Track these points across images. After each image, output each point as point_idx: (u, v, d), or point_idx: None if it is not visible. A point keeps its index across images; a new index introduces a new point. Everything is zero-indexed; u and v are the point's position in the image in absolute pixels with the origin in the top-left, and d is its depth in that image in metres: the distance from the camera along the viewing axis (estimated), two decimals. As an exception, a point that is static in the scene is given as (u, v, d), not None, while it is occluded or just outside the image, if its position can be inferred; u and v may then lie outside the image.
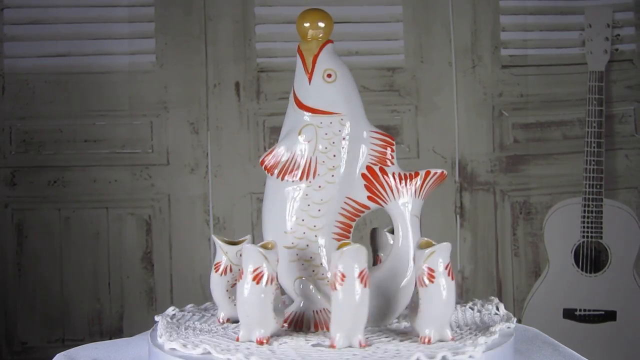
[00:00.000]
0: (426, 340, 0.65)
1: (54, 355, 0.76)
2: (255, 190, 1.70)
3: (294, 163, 0.72)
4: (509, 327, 0.70)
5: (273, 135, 1.70)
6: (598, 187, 1.57)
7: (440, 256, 0.64)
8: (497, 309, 0.78)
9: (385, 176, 0.72)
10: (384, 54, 1.71)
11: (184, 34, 1.68)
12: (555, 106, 1.73)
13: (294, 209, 0.72)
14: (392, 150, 0.73)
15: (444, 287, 0.64)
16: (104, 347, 0.79)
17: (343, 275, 0.62)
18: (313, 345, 0.65)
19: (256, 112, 1.71)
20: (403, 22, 1.71)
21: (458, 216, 1.73)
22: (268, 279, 0.66)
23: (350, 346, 0.64)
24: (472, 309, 0.79)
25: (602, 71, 1.62)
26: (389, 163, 0.72)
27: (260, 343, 0.66)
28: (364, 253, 0.64)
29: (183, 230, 1.69)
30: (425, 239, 0.68)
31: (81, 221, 1.68)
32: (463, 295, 1.71)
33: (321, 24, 0.73)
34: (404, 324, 0.73)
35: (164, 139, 1.69)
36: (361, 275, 0.63)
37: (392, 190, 0.71)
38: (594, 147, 1.59)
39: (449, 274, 0.64)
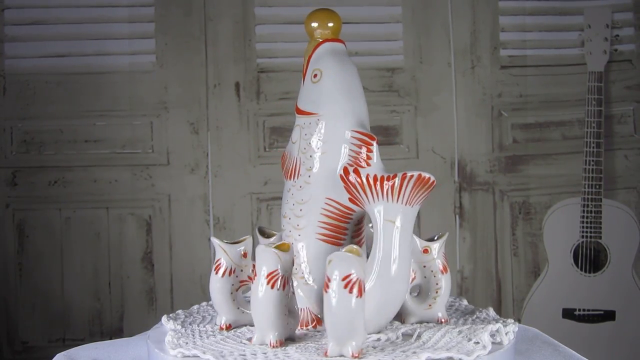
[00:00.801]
0: (324, 353, 0.62)
1: (55, 355, 0.76)
2: (255, 190, 1.70)
3: (289, 163, 0.74)
4: (507, 333, 0.70)
5: (273, 135, 1.71)
6: (597, 187, 1.57)
7: (336, 267, 0.60)
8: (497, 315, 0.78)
9: (358, 177, 0.68)
10: (383, 54, 1.71)
11: (184, 35, 1.69)
12: (555, 106, 1.73)
13: (285, 208, 0.74)
14: (369, 150, 0.69)
15: (335, 298, 0.60)
16: (104, 347, 0.79)
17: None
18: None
19: (256, 112, 1.71)
20: (402, 23, 1.71)
21: (457, 216, 1.73)
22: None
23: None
24: (473, 314, 0.79)
25: (602, 71, 1.62)
26: (363, 164, 0.69)
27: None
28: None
29: (183, 230, 1.69)
30: (354, 246, 0.65)
31: (82, 221, 1.68)
32: (462, 295, 1.71)
33: (330, 24, 0.74)
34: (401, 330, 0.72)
35: (164, 139, 1.69)
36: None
37: (365, 193, 0.68)
38: (593, 147, 1.59)
39: (346, 286, 0.59)
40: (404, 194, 0.66)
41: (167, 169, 1.70)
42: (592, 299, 1.57)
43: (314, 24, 0.74)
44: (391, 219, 0.66)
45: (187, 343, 0.67)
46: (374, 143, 0.69)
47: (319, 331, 0.71)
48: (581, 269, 1.58)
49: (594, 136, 1.59)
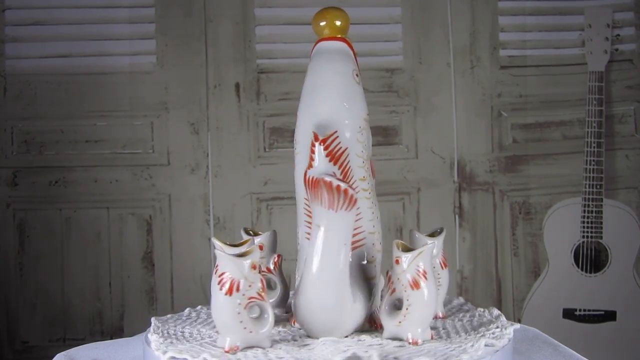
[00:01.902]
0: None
1: (55, 355, 0.76)
2: (255, 190, 1.70)
3: None
4: (507, 334, 0.70)
5: (273, 135, 1.71)
6: (598, 187, 1.57)
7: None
8: (497, 316, 0.78)
9: (304, 178, 0.66)
10: (382, 55, 1.71)
11: (185, 35, 1.69)
12: (555, 106, 1.73)
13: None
14: (312, 152, 0.67)
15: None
16: (104, 347, 0.79)
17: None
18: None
19: (256, 112, 1.71)
20: (402, 24, 1.71)
21: (457, 216, 1.73)
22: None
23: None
24: (473, 315, 0.79)
25: (602, 71, 1.62)
26: (311, 164, 0.68)
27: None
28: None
29: (183, 230, 1.69)
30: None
31: (82, 221, 1.68)
32: (462, 295, 1.71)
33: (321, 23, 0.73)
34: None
35: (164, 139, 1.69)
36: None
37: (307, 195, 0.66)
38: (594, 147, 1.59)
39: (218, 283, 0.61)
40: (321, 198, 0.63)
41: (167, 169, 1.70)
42: (592, 299, 1.57)
43: (315, 23, 0.74)
44: (317, 223, 0.65)
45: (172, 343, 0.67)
46: (317, 144, 0.67)
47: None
48: (582, 269, 1.58)
49: (595, 136, 1.59)
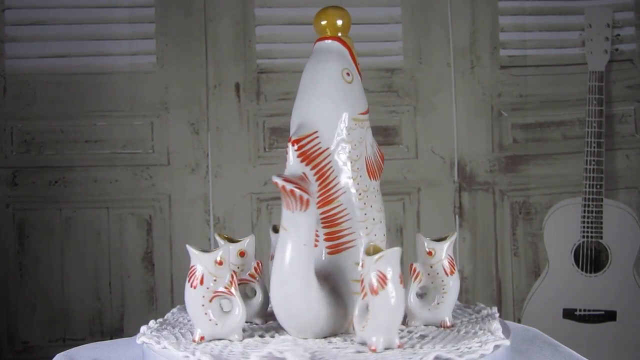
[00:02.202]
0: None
1: (55, 355, 0.76)
2: (255, 190, 1.70)
3: None
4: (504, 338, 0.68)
5: (273, 135, 1.71)
6: (598, 187, 1.57)
7: None
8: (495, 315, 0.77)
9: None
10: (382, 55, 1.71)
11: (185, 35, 1.69)
12: (555, 106, 1.73)
13: None
14: (286, 152, 0.68)
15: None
16: (104, 347, 0.79)
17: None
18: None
19: (256, 112, 1.71)
20: (402, 24, 1.71)
21: (457, 216, 1.73)
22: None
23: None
24: (471, 314, 0.79)
25: (602, 71, 1.62)
26: (286, 165, 0.68)
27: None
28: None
29: (183, 230, 1.69)
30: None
31: (82, 221, 1.68)
32: (462, 295, 1.71)
33: (322, 22, 0.73)
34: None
35: (164, 139, 1.69)
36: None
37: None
38: (594, 147, 1.59)
39: (189, 279, 0.63)
40: (282, 200, 0.64)
41: (167, 169, 1.70)
42: (593, 299, 1.57)
43: (315, 23, 0.74)
44: (283, 225, 0.66)
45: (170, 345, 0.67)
46: (289, 145, 0.67)
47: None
48: (582, 269, 1.58)
49: (595, 136, 1.59)
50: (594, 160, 1.58)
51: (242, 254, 0.74)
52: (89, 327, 1.68)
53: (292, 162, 0.67)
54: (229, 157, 1.70)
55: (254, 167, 1.70)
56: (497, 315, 0.77)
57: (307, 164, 0.68)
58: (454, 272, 0.73)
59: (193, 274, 0.67)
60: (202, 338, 0.68)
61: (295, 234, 0.65)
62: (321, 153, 0.69)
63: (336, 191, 0.69)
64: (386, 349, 0.63)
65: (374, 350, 0.63)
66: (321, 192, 0.69)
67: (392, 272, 0.63)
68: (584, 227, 1.57)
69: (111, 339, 1.26)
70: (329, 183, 0.69)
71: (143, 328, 0.72)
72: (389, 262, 0.63)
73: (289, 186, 0.63)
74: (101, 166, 1.68)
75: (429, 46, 1.72)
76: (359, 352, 0.64)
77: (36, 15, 1.67)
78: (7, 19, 1.67)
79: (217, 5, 1.69)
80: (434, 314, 0.73)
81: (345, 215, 0.69)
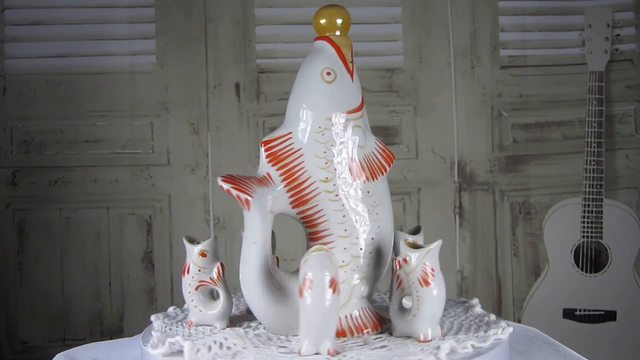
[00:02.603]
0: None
1: (55, 355, 0.76)
2: (256, 190, 1.70)
3: None
4: (503, 330, 0.69)
5: (273, 135, 1.71)
6: (598, 187, 1.57)
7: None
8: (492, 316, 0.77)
9: None
10: (383, 55, 1.71)
11: (185, 35, 1.69)
12: (555, 106, 1.73)
13: None
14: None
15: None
16: (104, 347, 0.79)
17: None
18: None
19: (256, 112, 1.71)
20: (402, 23, 1.71)
21: (457, 216, 1.73)
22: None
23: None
24: (469, 314, 0.78)
25: (602, 71, 1.62)
26: None
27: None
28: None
29: (183, 230, 1.69)
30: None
31: (82, 221, 1.68)
32: (462, 295, 1.71)
33: (321, 21, 0.72)
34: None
35: (164, 139, 1.69)
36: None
37: None
38: (594, 147, 1.59)
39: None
40: (240, 202, 0.67)
41: (167, 169, 1.70)
42: (593, 299, 1.57)
43: (314, 22, 0.73)
44: (244, 229, 0.68)
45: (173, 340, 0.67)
46: (262, 146, 0.69)
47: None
48: (582, 269, 1.58)
49: (595, 136, 1.59)
50: (594, 160, 1.58)
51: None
52: (89, 327, 1.68)
53: (260, 163, 0.69)
54: (229, 157, 1.70)
55: (253, 167, 1.70)
56: (494, 318, 0.76)
57: (273, 165, 0.69)
58: (429, 284, 0.65)
59: (185, 264, 0.74)
60: (190, 323, 0.74)
61: (247, 233, 0.68)
62: (292, 154, 0.69)
63: (310, 192, 0.69)
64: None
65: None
66: (293, 192, 0.69)
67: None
68: (584, 227, 1.57)
69: (111, 339, 1.26)
70: (300, 184, 0.69)
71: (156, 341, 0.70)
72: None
73: (226, 186, 0.66)
74: (101, 166, 1.68)
75: (429, 46, 1.72)
76: (285, 353, 0.63)
77: (36, 15, 1.67)
78: (6, 19, 1.67)
79: (217, 5, 1.69)
80: (410, 325, 0.67)
81: (322, 216, 0.69)
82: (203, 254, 0.74)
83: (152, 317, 0.77)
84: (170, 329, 0.73)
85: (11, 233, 1.68)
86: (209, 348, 0.64)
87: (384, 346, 0.66)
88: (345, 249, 0.69)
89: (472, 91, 1.72)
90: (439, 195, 1.71)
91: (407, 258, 0.66)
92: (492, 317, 0.75)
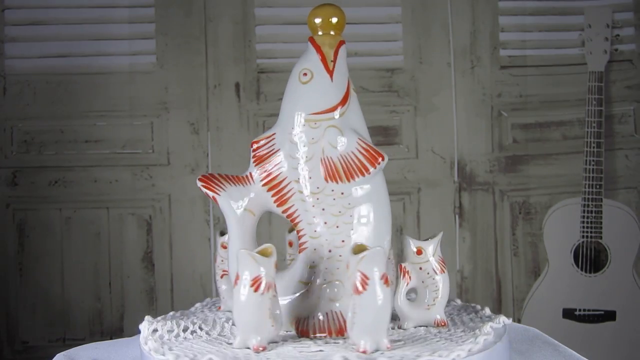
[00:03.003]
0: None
1: (55, 355, 0.76)
2: (256, 190, 1.70)
3: None
4: (501, 324, 0.69)
5: (273, 135, 1.71)
6: (598, 187, 1.57)
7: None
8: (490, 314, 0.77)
9: None
10: (383, 55, 1.71)
11: (185, 35, 1.69)
12: (555, 106, 1.73)
13: None
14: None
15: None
16: (104, 347, 0.79)
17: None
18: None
19: (256, 112, 1.71)
20: (402, 23, 1.71)
21: (457, 216, 1.73)
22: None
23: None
24: (468, 313, 0.79)
25: (602, 71, 1.62)
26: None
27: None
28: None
29: (183, 230, 1.69)
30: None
31: (82, 221, 1.68)
32: (462, 295, 1.71)
33: (316, 20, 0.73)
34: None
35: (164, 139, 1.69)
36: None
37: None
38: (593, 147, 1.59)
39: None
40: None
41: (167, 169, 1.70)
42: (592, 299, 1.57)
43: (317, 20, 0.73)
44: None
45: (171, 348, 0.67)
46: (250, 146, 0.72)
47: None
48: (581, 269, 1.58)
49: (595, 136, 1.59)
50: (593, 160, 1.58)
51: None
52: (89, 327, 1.68)
53: (250, 163, 0.72)
54: (229, 157, 1.70)
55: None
56: (491, 314, 0.77)
57: (256, 165, 0.72)
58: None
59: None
60: (219, 308, 0.79)
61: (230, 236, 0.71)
62: (273, 154, 0.72)
63: (287, 192, 0.71)
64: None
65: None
66: (274, 192, 0.71)
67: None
68: (583, 227, 1.57)
69: (111, 339, 1.26)
70: (278, 184, 0.71)
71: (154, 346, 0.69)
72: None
73: (199, 184, 0.71)
74: (101, 166, 1.68)
75: (429, 46, 1.72)
76: (247, 354, 0.63)
77: (35, 15, 1.67)
78: (6, 19, 1.67)
79: (217, 5, 1.69)
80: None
81: (298, 216, 0.71)
82: (223, 246, 0.79)
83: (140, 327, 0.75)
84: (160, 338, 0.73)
85: (11, 233, 1.68)
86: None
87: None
88: (315, 250, 0.70)
89: (472, 91, 1.72)
90: (439, 195, 1.71)
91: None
92: (503, 317, 0.73)
